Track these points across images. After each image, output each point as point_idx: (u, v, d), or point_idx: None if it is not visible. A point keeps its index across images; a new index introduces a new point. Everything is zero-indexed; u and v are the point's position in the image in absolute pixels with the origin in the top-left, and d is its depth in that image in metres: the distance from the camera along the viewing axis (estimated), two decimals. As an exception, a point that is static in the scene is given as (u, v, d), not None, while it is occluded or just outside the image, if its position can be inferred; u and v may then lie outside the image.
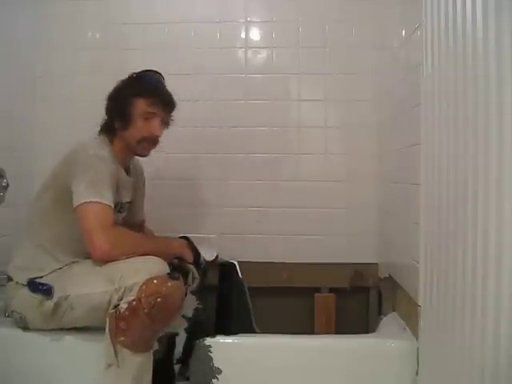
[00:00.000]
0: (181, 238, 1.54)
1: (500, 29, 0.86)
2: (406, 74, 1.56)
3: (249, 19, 2.14)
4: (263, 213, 2.13)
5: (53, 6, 2.15)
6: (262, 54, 2.14)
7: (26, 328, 1.39)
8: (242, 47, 2.15)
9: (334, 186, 2.11)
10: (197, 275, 1.48)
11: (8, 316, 1.53)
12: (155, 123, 1.48)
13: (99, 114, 1.56)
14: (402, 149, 1.61)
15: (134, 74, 1.53)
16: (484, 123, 0.93)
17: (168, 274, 1.27)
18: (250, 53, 2.14)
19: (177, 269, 1.43)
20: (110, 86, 1.47)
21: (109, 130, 1.50)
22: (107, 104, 1.52)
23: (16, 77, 2.00)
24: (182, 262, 1.46)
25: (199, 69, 2.11)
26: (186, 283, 1.44)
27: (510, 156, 0.84)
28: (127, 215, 1.62)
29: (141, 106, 1.46)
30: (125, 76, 1.52)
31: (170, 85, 1.53)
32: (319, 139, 2.12)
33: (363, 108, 2.11)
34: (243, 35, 2.15)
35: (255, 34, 2.15)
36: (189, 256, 1.47)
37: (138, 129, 1.47)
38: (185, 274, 1.45)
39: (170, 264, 1.42)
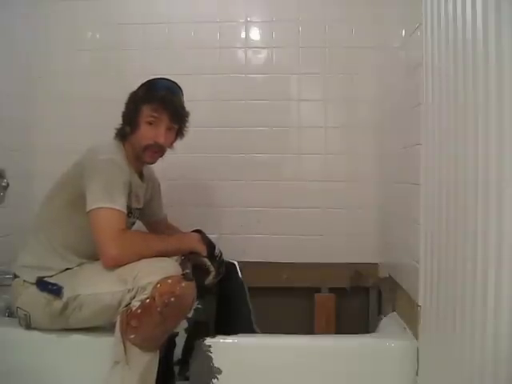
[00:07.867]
0: (194, 231, 1.55)
1: (500, 29, 0.86)
2: (406, 73, 1.56)
3: (249, 19, 2.14)
4: (263, 213, 2.13)
5: (52, 6, 2.15)
6: (262, 54, 2.14)
7: (28, 326, 1.38)
8: (242, 47, 2.14)
9: (334, 186, 2.10)
10: (212, 268, 1.48)
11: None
12: (160, 130, 1.47)
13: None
14: (402, 149, 1.61)
15: (148, 80, 1.52)
16: (484, 123, 0.93)
17: (182, 274, 1.28)
18: (250, 53, 2.14)
19: (190, 263, 1.43)
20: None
21: (121, 135, 1.51)
22: (123, 110, 1.53)
23: (15, 77, 2.00)
24: (197, 255, 1.46)
25: (199, 69, 2.11)
26: (202, 279, 1.45)
27: (510, 156, 0.84)
28: (150, 216, 1.70)
29: (146, 111, 1.46)
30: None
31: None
32: (319, 139, 2.12)
33: (363, 108, 2.11)
34: (243, 35, 2.14)
35: (255, 34, 2.15)
36: (202, 249, 1.48)
37: (143, 135, 1.46)
38: (200, 268, 1.46)
39: (184, 257, 1.44)
